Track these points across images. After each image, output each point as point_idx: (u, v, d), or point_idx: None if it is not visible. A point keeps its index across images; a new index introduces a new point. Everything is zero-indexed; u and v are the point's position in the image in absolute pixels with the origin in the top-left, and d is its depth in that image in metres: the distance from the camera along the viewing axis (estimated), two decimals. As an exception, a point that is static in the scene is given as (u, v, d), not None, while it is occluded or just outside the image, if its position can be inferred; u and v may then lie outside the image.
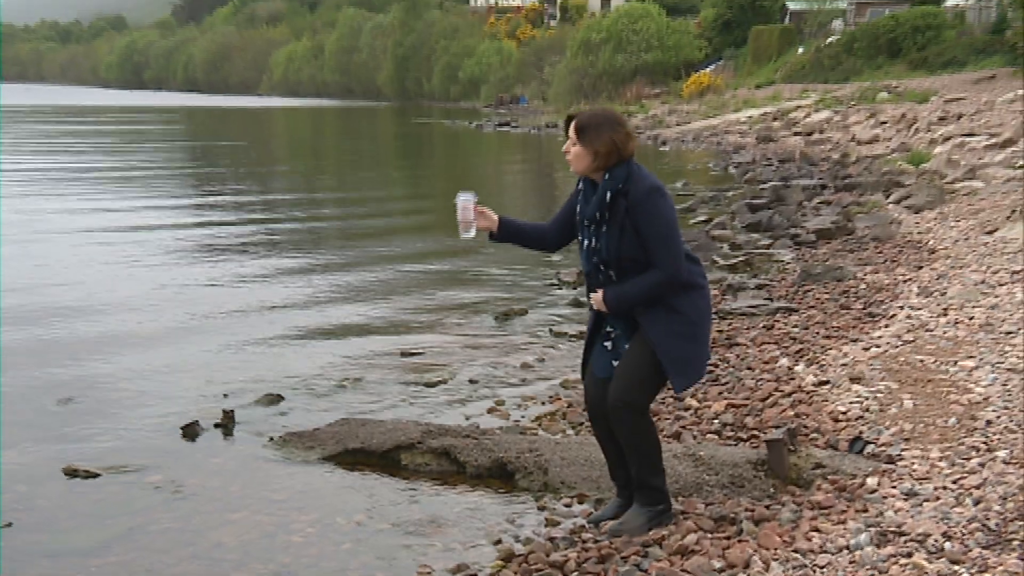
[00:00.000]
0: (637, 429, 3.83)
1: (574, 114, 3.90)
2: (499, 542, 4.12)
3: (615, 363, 3.86)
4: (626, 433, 3.83)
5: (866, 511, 3.81)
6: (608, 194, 3.73)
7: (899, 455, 4.37)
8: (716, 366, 6.18)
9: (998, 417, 4.61)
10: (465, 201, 3.95)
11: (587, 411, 4.15)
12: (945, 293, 7.28)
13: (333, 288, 9.72)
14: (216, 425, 5.56)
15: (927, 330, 6.31)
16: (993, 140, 16.97)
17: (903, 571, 3.23)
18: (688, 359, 3.78)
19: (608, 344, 3.91)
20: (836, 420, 4.97)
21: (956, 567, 3.22)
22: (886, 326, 6.63)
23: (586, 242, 3.85)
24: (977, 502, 3.73)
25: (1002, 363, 5.38)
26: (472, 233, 3.98)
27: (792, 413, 5.16)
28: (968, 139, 17.94)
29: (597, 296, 3.83)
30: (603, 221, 3.76)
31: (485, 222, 3.96)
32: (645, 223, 3.69)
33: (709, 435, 5.07)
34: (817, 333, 6.75)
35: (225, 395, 6.11)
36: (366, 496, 4.66)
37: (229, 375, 6.59)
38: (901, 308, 7.07)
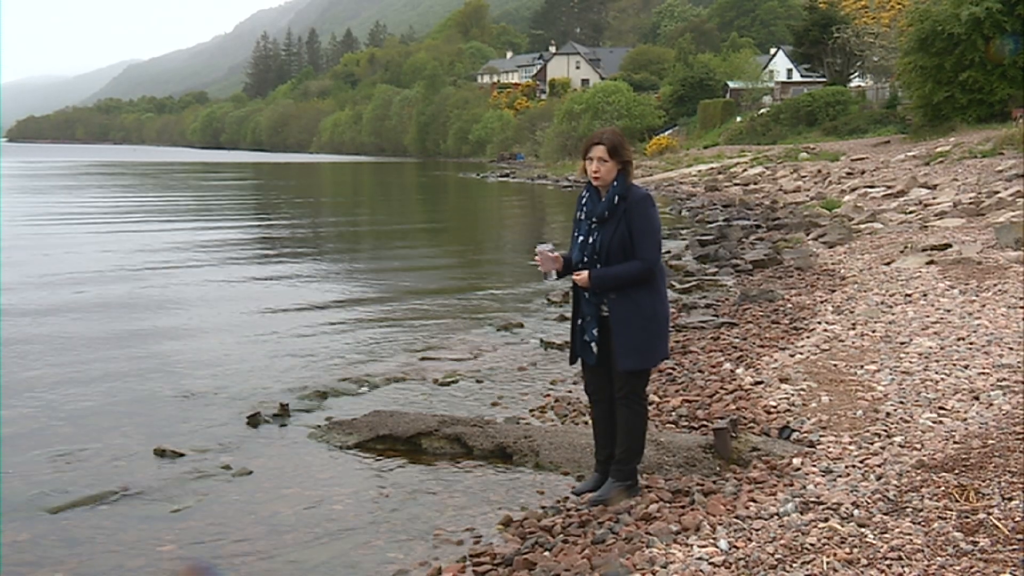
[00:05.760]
0: (636, 412, 3.84)
1: (597, 139, 3.78)
2: (500, 510, 4.10)
3: (594, 348, 3.83)
4: (628, 414, 3.83)
5: (792, 485, 3.80)
6: (616, 197, 3.73)
7: (818, 440, 4.36)
8: (673, 369, 6.17)
9: (895, 410, 4.60)
10: (544, 249, 3.76)
11: (587, 394, 4.09)
12: (853, 311, 7.28)
13: (365, 306, 9.69)
14: (274, 416, 5.54)
15: (839, 341, 6.30)
16: (889, 191, 17.03)
17: (821, 533, 3.20)
18: (637, 347, 3.74)
19: (586, 337, 3.86)
20: (768, 412, 4.95)
21: (863, 529, 3.20)
22: (807, 337, 6.62)
23: (581, 238, 3.81)
24: (879, 478, 3.72)
25: (898, 367, 5.37)
26: (554, 276, 3.80)
27: (734, 407, 5.14)
28: (869, 190, 17.99)
29: (582, 275, 3.74)
30: (605, 219, 3.73)
31: (558, 265, 3.82)
32: (637, 220, 3.70)
33: (668, 424, 5.05)
34: (753, 343, 6.74)
35: (281, 392, 6.09)
36: (393, 473, 4.64)
37: (284, 376, 6.57)
38: (819, 323, 7.06)
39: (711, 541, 3.29)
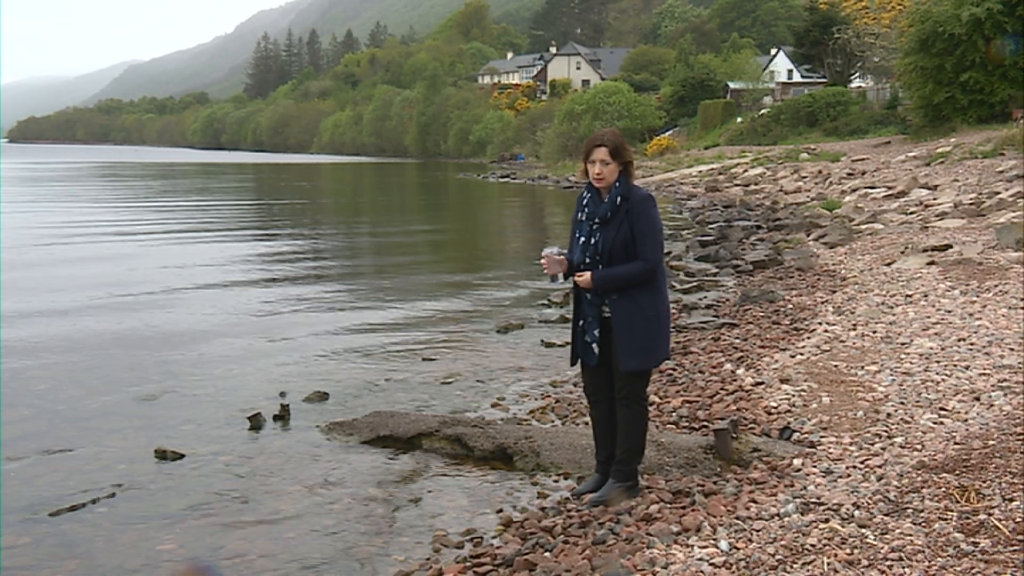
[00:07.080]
0: (636, 413, 3.83)
1: (598, 141, 3.76)
2: (500, 511, 4.10)
3: (595, 349, 3.82)
4: (629, 415, 3.83)
5: (792, 486, 3.80)
6: (618, 198, 3.73)
7: (818, 441, 4.35)
8: (674, 370, 6.17)
9: (896, 410, 4.60)
10: (550, 252, 3.75)
11: (587, 395, 4.09)
12: (854, 312, 7.28)
13: (365, 307, 9.70)
14: (275, 417, 5.54)
15: (840, 341, 6.30)
16: (889, 192, 17.03)
17: (822, 533, 3.20)
18: (639, 347, 3.73)
19: (587, 338, 3.86)
20: (769, 413, 4.95)
21: (863, 530, 3.20)
22: (808, 338, 6.62)
23: (582, 239, 3.80)
24: (880, 478, 3.72)
25: (899, 367, 5.37)
26: (561, 279, 3.79)
27: (734, 407, 5.14)
28: (870, 191, 17.99)
29: (585, 276, 3.74)
30: (607, 220, 3.73)
31: (564, 267, 3.82)
32: (639, 221, 3.70)
33: (668, 425, 5.05)
34: (754, 343, 6.74)
35: (282, 393, 6.09)
36: (394, 474, 4.64)
37: (285, 377, 6.58)
38: (820, 324, 7.06)
39: (712, 542, 3.29)
